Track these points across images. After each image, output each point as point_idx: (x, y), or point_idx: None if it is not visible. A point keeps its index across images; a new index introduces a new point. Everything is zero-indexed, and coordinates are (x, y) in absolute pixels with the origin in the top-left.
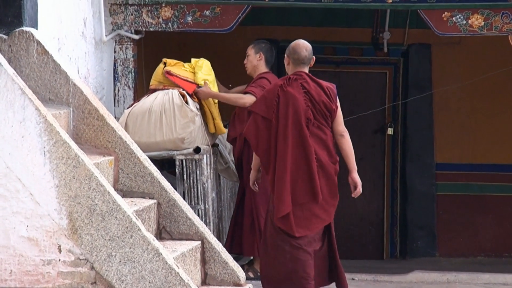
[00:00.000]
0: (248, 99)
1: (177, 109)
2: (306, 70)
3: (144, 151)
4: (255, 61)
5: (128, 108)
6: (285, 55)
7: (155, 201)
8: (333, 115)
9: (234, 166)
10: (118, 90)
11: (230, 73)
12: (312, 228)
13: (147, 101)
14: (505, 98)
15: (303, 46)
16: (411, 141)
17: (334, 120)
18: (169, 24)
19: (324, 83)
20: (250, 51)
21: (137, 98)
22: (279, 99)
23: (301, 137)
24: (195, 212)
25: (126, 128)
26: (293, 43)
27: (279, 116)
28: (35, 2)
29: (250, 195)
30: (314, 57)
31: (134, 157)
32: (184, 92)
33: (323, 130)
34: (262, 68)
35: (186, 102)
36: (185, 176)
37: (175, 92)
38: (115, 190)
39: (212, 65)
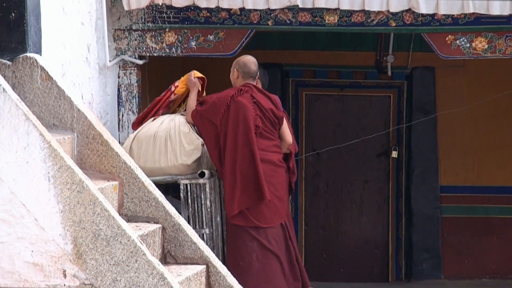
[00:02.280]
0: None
1: (183, 136)
2: (254, 83)
3: (148, 176)
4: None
5: (133, 132)
6: (234, 69)
7: (160, 225)
8: (281, 122)
9: None
10: (122, 115)
11: None
12: (269, 221)
13: (152, 126)
14: (509, 121)
15: (253, 61)
16: (415, 164)
17: (282, 129)
18: (173, 49)
19: (270, 94)
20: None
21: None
22: (229, 108)
23: (249, 142)
24: (200, 236)
25: (130, 152)
26: (243, 58)
27: (228, 123)
28: (39, 28)
29: None
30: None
31: (138, 182)
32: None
33: (272, 134)
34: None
35: (193, 128)
36: (189, 200)
37: (181, 118)
38: (119, 215)
39: (215, 89)
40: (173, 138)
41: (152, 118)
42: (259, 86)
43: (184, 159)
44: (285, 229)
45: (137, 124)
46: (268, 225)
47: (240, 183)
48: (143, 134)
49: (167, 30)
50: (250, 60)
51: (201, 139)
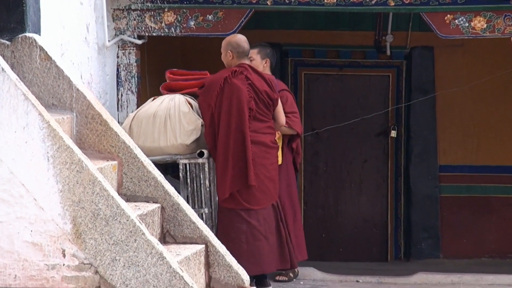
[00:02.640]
0: None
1: (182, 116)
2: (248, 61)
3: (147, 156)
4: (261, 66)
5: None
6: (228, 50)
7: (159, 205)
8: (275, 104)
9: None
10: (122, 95)
11: None
12: (260, 203)
13: (152, 105)
14: (508, 100)
15: (244, 40)
16: (414, 143)
17: (276, 110)
18: (172, 29)
19: (266, 75)
20: (256, 56)
21: (140, 102)
22: (223, 90)
23: (242, 126)
24: (199, 215)
25: (130, 131)
26: (234, 38)
27: (222, 105)
28: (37, 8)
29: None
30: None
31: (137, 162)
32: (191, 100)
33: (266, 116)
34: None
35: (193, 109)
36: (188, 180)
37: (181, 98)
38: (119, 194)
39: (215, 70)
40: (173, 117)
41: (152, 98)
42: (267, 64)
43: (184, 139)
44: (276, 210)
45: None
46: (259, 207)
47: (232, 165)
48: (143, 113)
49: (166, 9)
50: (241, 39)
51: (201, 119)
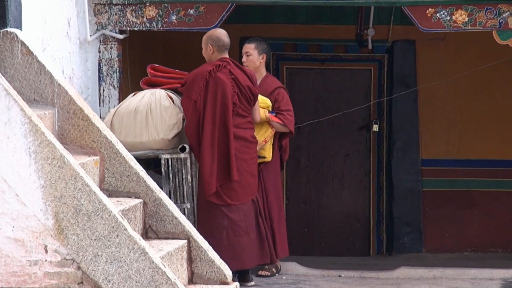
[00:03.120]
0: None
1: (164, 110)
2: (227, 55)
3: (129, 151)
4: (258, 62)
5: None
6: (208, 44)
7: (141, 200)
8: (256, 99)
9: None
10: (103, 90)
11: None
12: (241, 198)
13: (133, 100)
14: (490, 94)
15: (224, 33)
16: (396, 137)
17: (253, 106)
18: (154, 23)
19: (247, 69)
20: (253, 51)
21: (122, 97)
22: (208, 84)
23: (226, 120)
24: (181, 211)
25: (111, 127)
26: (214, 32)
27: (207, 99)
28: (19, 3)
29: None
30: None
31: (119, 157)
32: (171, 94)
33: (247, 111)
34: (263, 70)
35: (174, 103)
36: (170, 175)
37: (162, 93)
38: (101, 190)
39: (196, 64)
40: (154, 112)
41: (133, 93)
42: (263, 60)
43: (165, 133)
44: (256, 205)
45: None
46: (240, 202)
47: (218, 160)
48: (124, 109)
49: (147, 4)
50: (222, 33)
51: (182, 113)
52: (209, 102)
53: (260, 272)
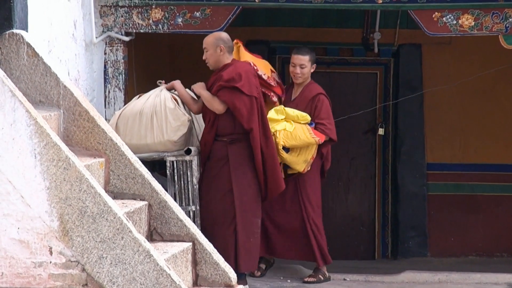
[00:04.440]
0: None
1: (169, 112)
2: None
3: (134, 153)
4: (309, 72)
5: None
6: (220, 46)
7: (146, 202)
8: None
9: None
10: (109, 92)
11: None
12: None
13: (138, 102)
14: (495, 98)
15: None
16: (402, 141)
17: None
18: (160, 25)
19: None
20: (307, 62)
21: (127, 99)
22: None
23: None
24: (186, 213)
25: (116, 129)
26: (221, 34)
27: (261, 99)
28: (25, 5)
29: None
30: None
31: (125, 159)
32: (176, 96)
33: None
34: (309, 77)
35: (179, 105)
36: (176, 177)
37: (167, 94)
38: (106, 192)
39: (201, 67)
40: (159, 114)
41: (138, 95)
42: (313, 69)
43: (171, 135)
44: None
45: None
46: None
47: None
48: (129, 111)
49: (153, 6)
50: (228, 35)
51: (187, 115)
52: (262, 102)
53: (306, 279)
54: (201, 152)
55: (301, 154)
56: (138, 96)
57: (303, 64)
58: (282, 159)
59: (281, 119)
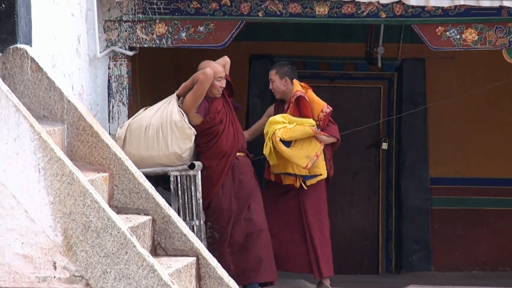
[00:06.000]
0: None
1: (174, 125)
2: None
3: (139, 164)
4: (282, 86)
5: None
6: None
7: (150, 217)
8: None
9: None
10: (113, 107)
11: None
12: None
13: (146, 114)
14: (499, 112)
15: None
16: (405, 155)
17: None
18: (163, 40)
19: None
20: (274, 76)
21: (131, 114)
22: None
23: None
24: (190, 228)
25: (124, 140)
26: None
27: None
28: (29, 19)
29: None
30: None
31: (128, 174)
32: (182, 110)
33: None
34: (291, 89)
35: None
36: (179, 192)
37: (174, 108)
38: (110, 206)
39: None
40: (165, 127)
41: (144, 108)
42: (288, 83)
43: (175, 148)
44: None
45: None
46: None
47: None
48: (136, 123)
49: (157, 21)
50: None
51: (192, 129)
52: None
53: None
54: None
55: (303, 149)
56: (144, 108)
57: (271, 79)
58: (282, 152)
59: (284, 122)
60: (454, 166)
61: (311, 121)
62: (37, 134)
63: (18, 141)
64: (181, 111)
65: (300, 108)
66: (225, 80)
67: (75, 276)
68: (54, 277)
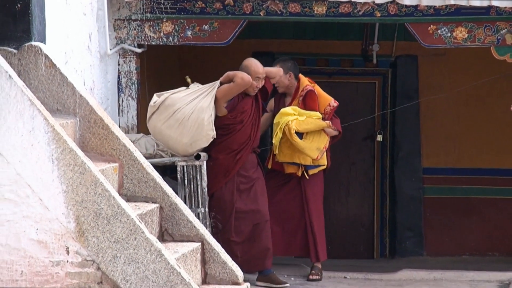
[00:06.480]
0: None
1: (200, 122)
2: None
3: (155, 136)
4: (286, 81)
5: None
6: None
7: (157, 205)
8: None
9: None
10: (122, 101)
11: None
12: None
13: (184, 97)
14: (487, 106)
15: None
16: (399, 147)
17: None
18: (170, 38)
19: None
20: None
21: (140, 107)
22: None
23: None
24: (195, 215)
25: (156, 109)
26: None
27: None
28: (43, 18)
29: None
30: None
31: (137, 164)
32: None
33: None
34: (294, 83)
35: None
36: (186, 181)
37: (209, 105)
38: (119, 195)
39: (210, 78)
40: (192, 120)
41: (194, 83)
42: (292, 78)
43: (189, 144)
44: None
45: None
46: None
47: None
48: (171, 100)
49: (164, 20)
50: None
51: (214, 132)
52: None
53: (310, 277)
54: None
55: (314, 141)
56: (194, 84)
57: None
58: (296, 144)
59: (295, 114)
60: (445, 157)
61: (318, 114)
62: (51, 126)
63: (33, 133)
64: (212, 109)
65: (308, 102)
66: (263, 81)
67: (87, 261)
68: (67, 261)
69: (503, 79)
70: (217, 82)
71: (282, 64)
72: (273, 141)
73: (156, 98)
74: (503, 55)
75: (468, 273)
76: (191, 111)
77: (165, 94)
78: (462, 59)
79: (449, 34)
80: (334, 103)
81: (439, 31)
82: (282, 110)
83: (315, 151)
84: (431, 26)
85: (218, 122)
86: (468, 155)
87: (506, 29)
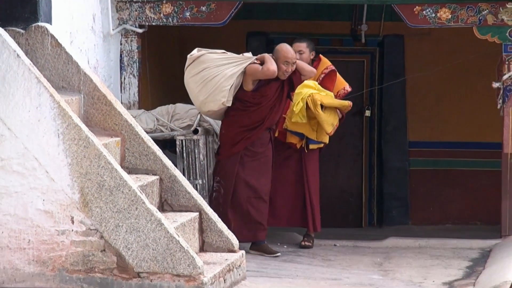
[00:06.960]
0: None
1: (217, 87)
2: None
3: (186, 88)
4: (309, 58)
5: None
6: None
7: (157, 177)
8: None
9: None
10: (124, 79)
11: None
12: None
13: (218, 60)
14: (470, 83)
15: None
16: (386, 122)
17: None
18: (170, 19)
19: None
20: (305, 49)
21: (141, 85)
22: None
23: None
24: (193, 186)
25: (191, 62)
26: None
27: None
28: (49, 0)
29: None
30: None
31: (138, 138)
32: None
33: None
34: (310, 62)
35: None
36: (184, 154)
37: (236, 72)
38: (121, 167)
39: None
40: (213, 82)
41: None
42: (312, 57)
43: (203, 103)
44: None
45: None
46: None
47: None
48: (205, 58)
49: (164, 1)
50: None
51: (226, 100)
52: None
53: (303, 243)
54: None
55: (330, 117)
56: (223, 52)
57: (301, 50)
58: (318, 116)
59: (315, 88)
60: (430, 131)
61: (332, 94)
62: (57, 103)
63: (40, 109)
64: (235, 79)
65: (326, 81)
66: (293, 66)
67: (91, 230)
68: (72, 230)
69: (484, 57)
70: (252, 58)
71: (309, 43)
72: (294, 109)
73: (195, 51)
74: (484, 35)
75: (451, 241)
76: (216, 73)
77: (203, 51)
78: (445, 38)
79: (433, 15)
80: (348, 88)
81: (424, 12)
82: (305, 82)
83: (330, 126)
84: (417, 7)
85: (241, 94)
86: (451, 129)
87: (487, 10)
